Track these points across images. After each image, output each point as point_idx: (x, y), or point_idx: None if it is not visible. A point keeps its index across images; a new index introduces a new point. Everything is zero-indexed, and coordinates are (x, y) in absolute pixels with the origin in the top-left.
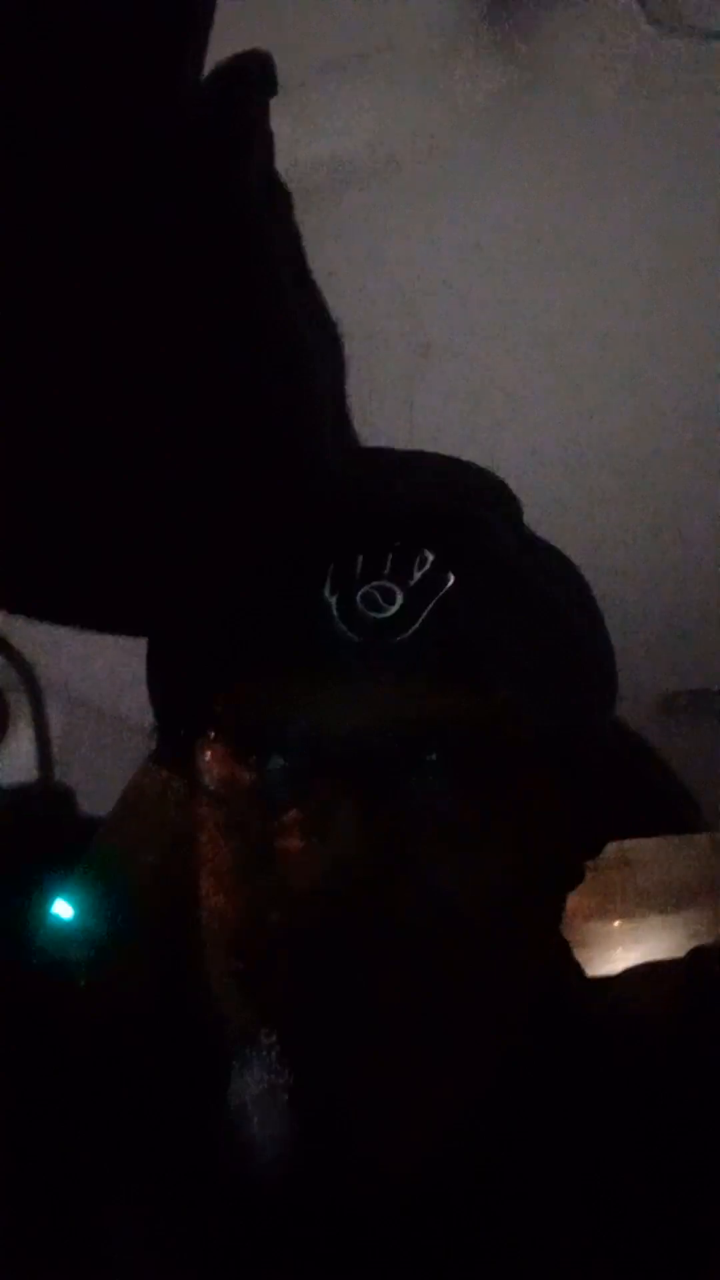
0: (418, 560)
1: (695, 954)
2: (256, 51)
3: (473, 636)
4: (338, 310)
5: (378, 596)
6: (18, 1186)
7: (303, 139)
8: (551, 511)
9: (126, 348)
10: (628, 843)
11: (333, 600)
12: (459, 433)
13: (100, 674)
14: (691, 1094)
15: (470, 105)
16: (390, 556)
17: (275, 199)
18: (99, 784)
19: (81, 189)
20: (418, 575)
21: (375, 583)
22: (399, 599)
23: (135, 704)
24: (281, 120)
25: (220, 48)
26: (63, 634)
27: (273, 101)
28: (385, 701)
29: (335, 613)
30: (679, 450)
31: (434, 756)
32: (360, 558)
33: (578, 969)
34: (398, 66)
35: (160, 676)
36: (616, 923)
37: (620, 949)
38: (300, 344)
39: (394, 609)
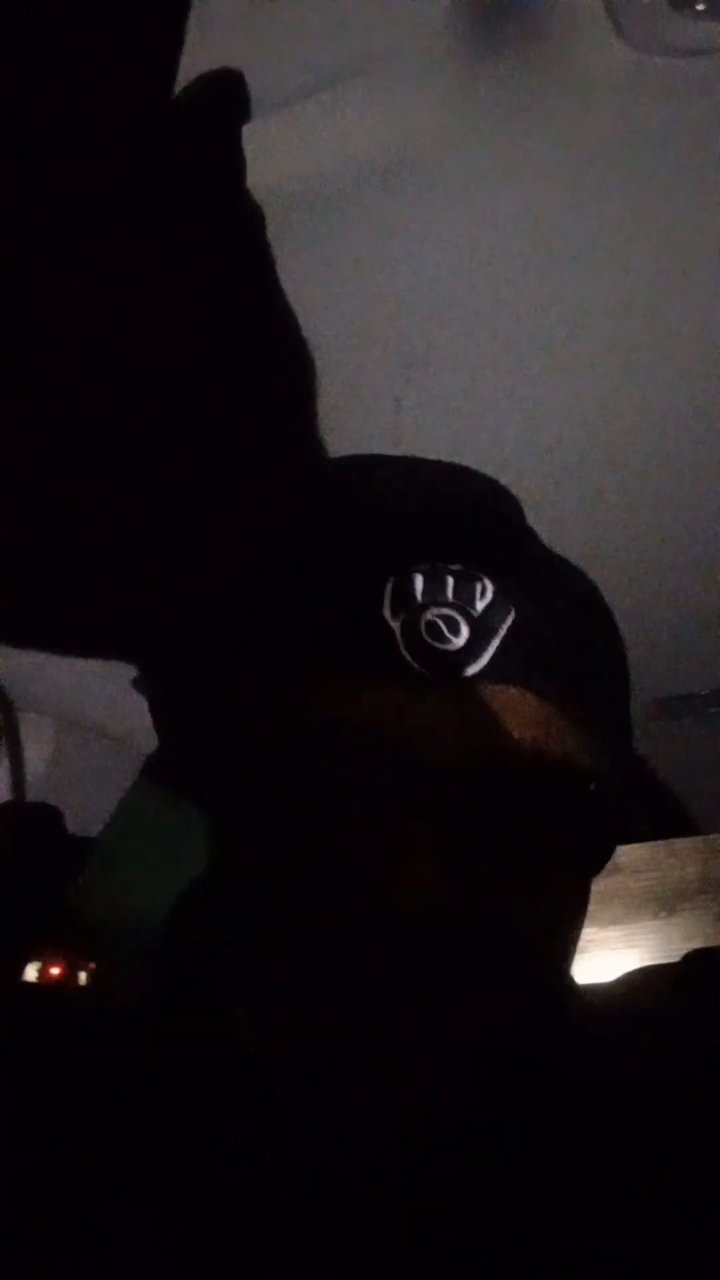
0: (479, 588)
1: (691, 957)
2: (230, 72)
3: (532, 677)
4: (333, 318)
5: (442, 627)
6: (18, 1186)
7: (295, 151)
8: (546, 517)
9: (112, 377)
10: (622, 848)
11: (396, 625)
12: (451, 440)
13: (94, 693)
14: (691, 1096)
15: (463, 116)
16: (451, 580)
17: (252, 212)
18: (92, 803)
19: (71, 199)
20: (481, 606)
21: (439, 609)
22: (464, 631)
23: (128, 724)
24: (274, 133)
25: (213, 59)
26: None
27: (265, 114)
28: (461, 736)
29: (399, 639)
30: (675, 456)
31: (517, 807)
32: (419, 578)
33: (574, 983)
34: (389, 79)
35: (181, 676)
36: (611, 928)
37: (615, 954)
38: (284, 350)
39: (460, 641)
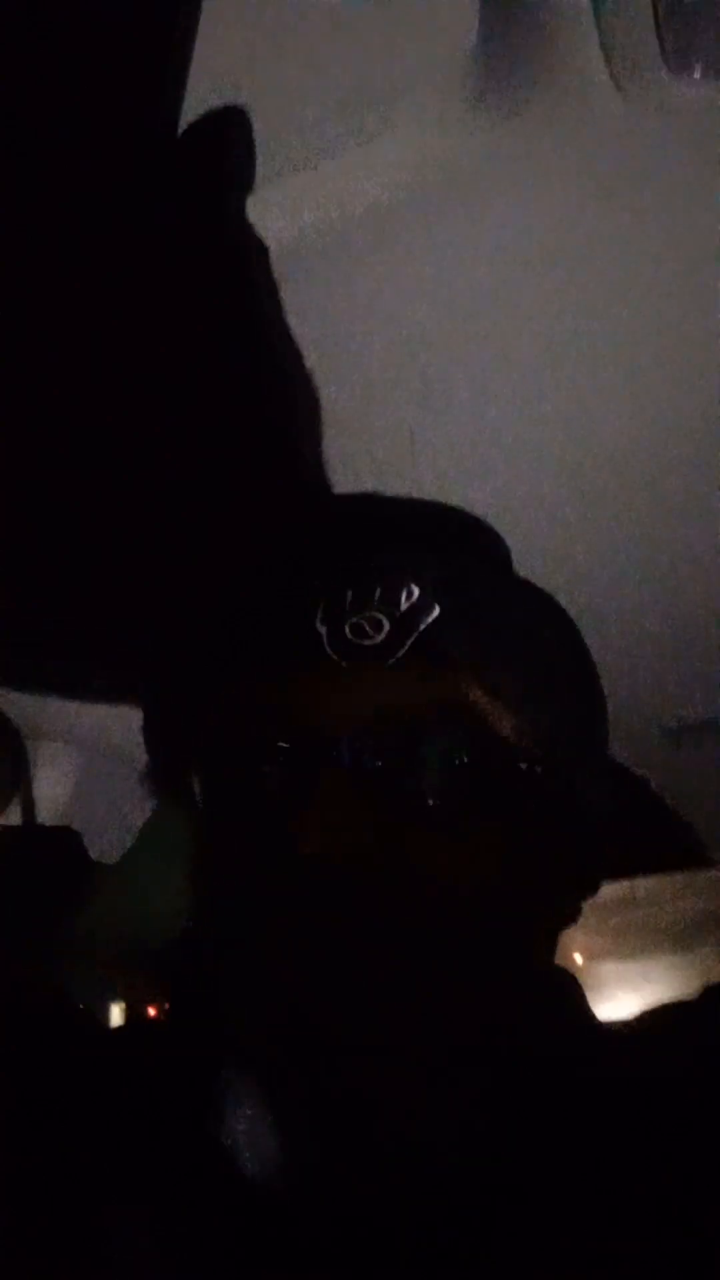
0: (405, 592)
1: (707, 994)
2: (238, 106)
3: (456, 662)
4: (347, 352)
5: (365, 626)
6: (18, 1186)
7: (308, 188)
8: (554, 542)
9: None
10: (636, 881)
11: (323, 630)
12: (464, 470)
13: (112, 718)
14: (691, 1106)
15: (474, 155)
16: (379, 589)
17: (265, 246)
18: (116, 828)
19: (74, 204)
20: (405, 605)
21: (365, 613)
22: (385, 628)
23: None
24: (287, 168)
25: (222, 91)
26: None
27: (278, 148)
28: (370, 701)
29: (326, 642)
30: (692, 482)
31: (417, 754)
32: (349, 592)
33: (589, 1015)
34: (401, 117)
35: (160, 700)
36: (629, 962)
37: (634, 989)
38: (298, 383)
39: (381, 636)
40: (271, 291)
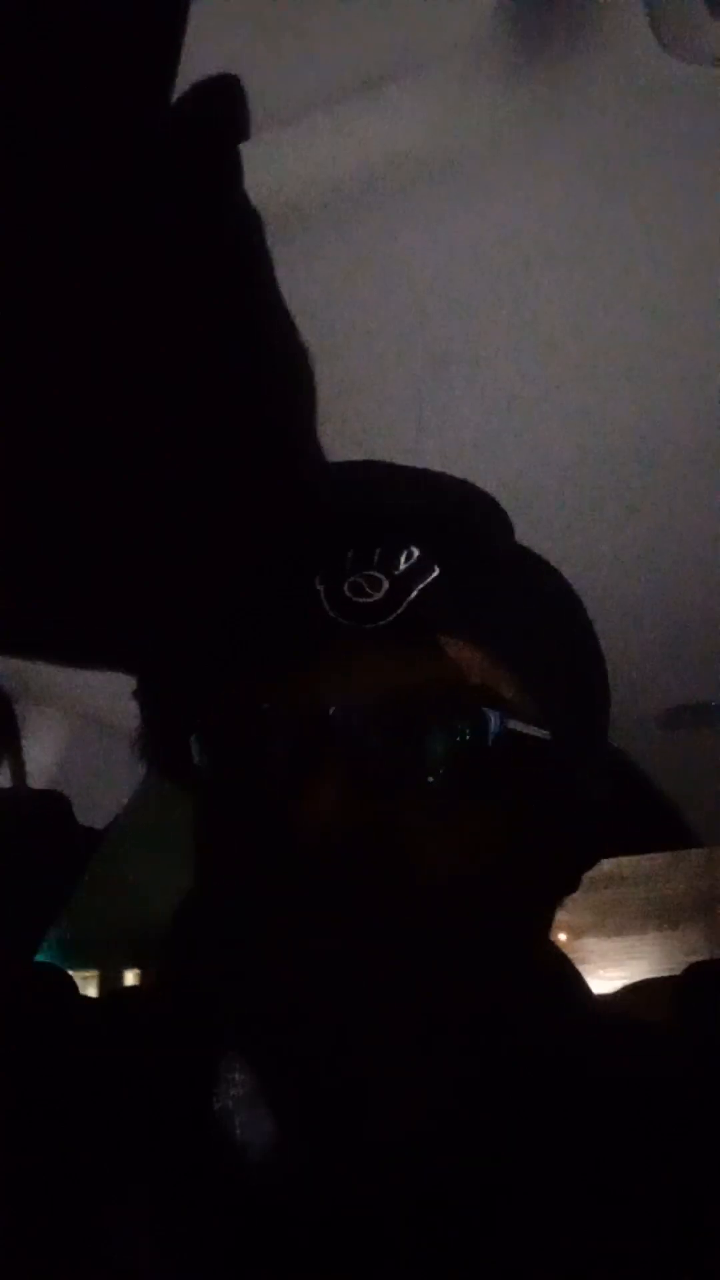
0: (404, 554)
1: (693, 969)
2: (231, 86)
3: (454, 624)
4: (350, 324)
5: (363, 584)
6: (18, 1186)
7: (314, 159)
8: (557, 522)
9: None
10: (624, 859)
11: (321, 589)
12: (468, 443)
13: (103, 684)
14: (690, 1100)
15: (494, 120)
16: (378, 550)
17: (275, 216)
18: (102, 795)
19: (75, 198)
20: (404, 566)
21: (363, 573)
22: (384, 586)
23: (138, 715)
24: (289, 142)
25: (238, 61)
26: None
27: (283, 124)
28: (371, 677)
29: (324, 600)
30: (695, 463)
31: (417, 732)
32: (350, 552)
33: (582, 984)
34: (409, 87)
35: (158, 671)
36: (614, 939)
37: (618, 965)
38: (305, 355)
39: (379, 595)
40: (272, 259)
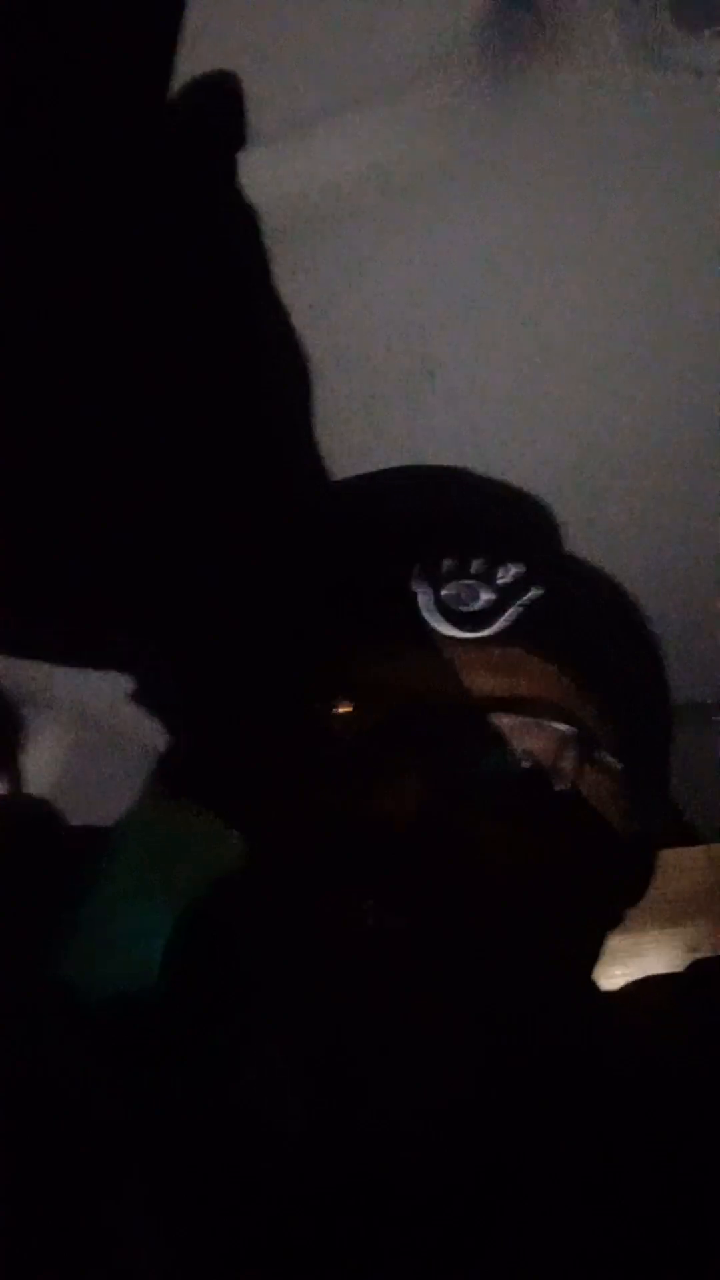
0: (505, 568)
1: (695, 968)
2: (229, 93)
3: (548, 644)
4: (342, 335)
5: (463, 593)
6: (18, 1186)
7: (306, 170)
8: (557, 522)
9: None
10: None
11: (419, 593)
12: (467, 448)
13: (108, 691)
14: (693, 1107)
15: (471, 133)
16: (477, 560)
17: (268, 226)
18: (105, 802)
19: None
20: (505, 579)
21: (462, 581)
22: (484, 598)
23: (142, 722)
24: (285, 152)
25: (227, 72)
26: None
27: (277, 134)
28: (462, 687)
29: (421, 603)
30: (686, 466)
31: (500, 746)
32: (447, 559)
33: (591, 983)
34: (400, 97)
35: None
36: (616, 937)
37: (620, 963)
38: (300, 362)
39: (478, 605)
40: (270, 266)
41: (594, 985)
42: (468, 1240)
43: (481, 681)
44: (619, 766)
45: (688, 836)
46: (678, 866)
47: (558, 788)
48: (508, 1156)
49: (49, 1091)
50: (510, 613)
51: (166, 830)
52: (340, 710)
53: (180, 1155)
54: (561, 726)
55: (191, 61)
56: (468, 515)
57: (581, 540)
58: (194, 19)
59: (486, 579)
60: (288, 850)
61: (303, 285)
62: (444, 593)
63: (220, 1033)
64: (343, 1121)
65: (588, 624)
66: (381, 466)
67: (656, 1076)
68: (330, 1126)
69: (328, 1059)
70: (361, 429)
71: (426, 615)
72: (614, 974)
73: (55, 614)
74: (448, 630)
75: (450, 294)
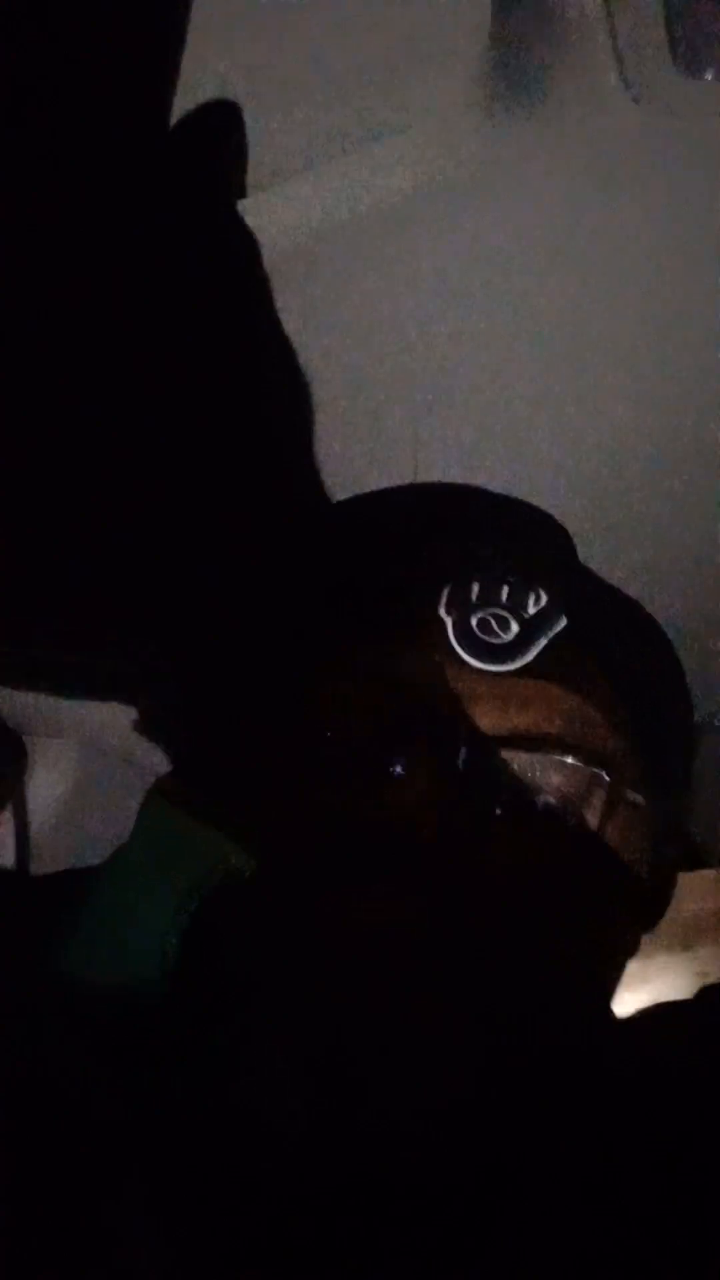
0: (533, 596)
1: (705, 993)
2: (233, 110)
3: (575, 679)
4: (351, 358)
5: (493, 623)
6: (17, 1186)
7: (304, 197)
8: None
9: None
10: None
11: (448, 620)
12: (466, 474)
13: (117, 718)
14: (704, 1133)
15: (474, 158)
16: (505, 587)
17: (270, 256)
18: (115, 828)
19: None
20: (533, 610)
21: (491, 609)
22: (514, 628)
23: (151, 749)
24: (283, 179)
25: (219, 96)
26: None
27: (271, 163)
28: (489, 720)
29: (450, 631)
30: (687, 485)
31: (524, 779)
32: (475, 585)
33: (604, 1016)
34: (401, 121)
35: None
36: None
37: (630, 989)
38: (302, 388)
39: (508, 637)
40: (273, 295)
41: (594, 986)
42: (468, 1240)
43: (511, 715)
44: (645, 803)
45: (695, 859)
46: (685, 889)
47: (582, 829)
48: (508, 1157)
49: (49, 1091)
50: (539, 647)
51: (168, 831)
52: (341, 711)
53: (180, 1155)
54: (592, 769)
55: (193, 90)
56: (482, 530)
57: (596, 557)
58: (196, 45)
59: (514, 606)
60: (288, 850)
61: (306, 291)
62: (474, 622)
63: (220, 1033)
64: (343, 1122)
65: (612, 654)
66: (388, 478)
67: (657, 1076)
68: (330, 1126)
69: (328, 1059)
70: (368, 440)
71: (456, 644)
72: (622, 999)
73: (55, 614)
74: (476, 664)
75: (456, 324)
